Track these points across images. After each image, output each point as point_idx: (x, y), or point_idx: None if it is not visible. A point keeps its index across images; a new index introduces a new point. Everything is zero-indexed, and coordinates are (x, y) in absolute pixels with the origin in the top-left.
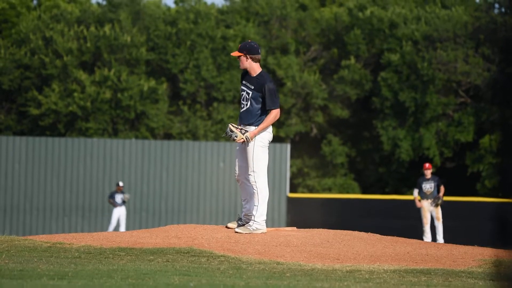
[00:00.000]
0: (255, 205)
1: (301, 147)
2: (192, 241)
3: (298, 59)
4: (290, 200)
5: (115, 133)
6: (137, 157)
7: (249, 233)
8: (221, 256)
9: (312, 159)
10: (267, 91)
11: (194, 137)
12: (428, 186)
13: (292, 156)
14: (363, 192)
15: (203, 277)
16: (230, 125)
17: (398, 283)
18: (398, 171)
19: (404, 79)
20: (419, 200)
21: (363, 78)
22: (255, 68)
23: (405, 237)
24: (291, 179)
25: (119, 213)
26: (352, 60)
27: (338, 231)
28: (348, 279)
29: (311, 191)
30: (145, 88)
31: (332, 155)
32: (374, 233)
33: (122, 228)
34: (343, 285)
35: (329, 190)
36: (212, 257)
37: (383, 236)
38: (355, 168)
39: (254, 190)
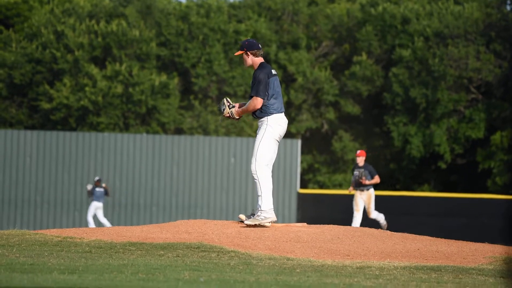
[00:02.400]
0: (258, 195)
1: (312, 143)
2: (203, 236)
3: (309, 55)
4: (300, 196)
5: (126, 128)
6: (148, 152)
7: (258, 223)
8: (231, 251)
9: (323, 155)
10: (254, 78)
11: (205, 132)
12: (357, 174)
13: (302, 152)
14: (374, 189)
15: (213, 272)
16: (224, 99)
17: (408, 280)
18: (408, 168)
19: (415, 75)
20: (352, 187)
21: (375, 75)
22: (256, 63)
23: (415, 233)
24: (302, 175)
25: (96, 206)
26: (364, 56)
27: (349, 227)
28: (358, 276)
29: (321, 187)
30: (156, 82)
31: (342, 151)
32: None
33: (97, 219)
34: (353, 281)
35: (340, 186)
36: (222, 252)
37: (393, 232)
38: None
39: (255, 180)
